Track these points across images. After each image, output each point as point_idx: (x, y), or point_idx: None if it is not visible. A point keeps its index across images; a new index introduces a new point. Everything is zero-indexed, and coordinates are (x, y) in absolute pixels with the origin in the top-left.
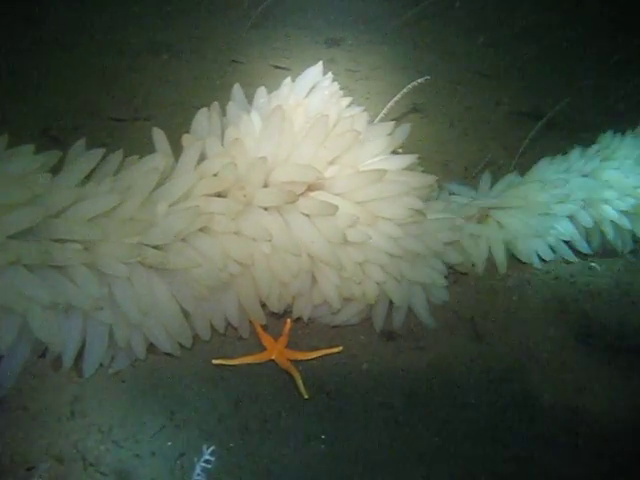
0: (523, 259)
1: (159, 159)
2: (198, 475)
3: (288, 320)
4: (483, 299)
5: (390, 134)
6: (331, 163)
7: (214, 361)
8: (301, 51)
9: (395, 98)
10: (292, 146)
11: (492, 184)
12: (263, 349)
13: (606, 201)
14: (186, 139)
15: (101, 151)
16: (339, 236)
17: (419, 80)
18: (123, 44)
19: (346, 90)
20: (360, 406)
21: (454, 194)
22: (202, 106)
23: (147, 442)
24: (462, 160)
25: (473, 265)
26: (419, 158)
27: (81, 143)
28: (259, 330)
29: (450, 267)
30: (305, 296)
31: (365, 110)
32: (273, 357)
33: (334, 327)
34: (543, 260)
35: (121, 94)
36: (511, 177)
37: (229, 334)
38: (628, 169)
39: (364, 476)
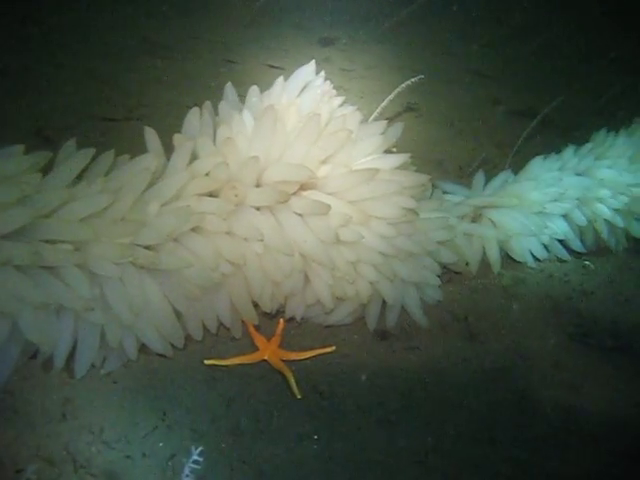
0: (517, 258)
1: (151, 159)
2: (187, 476)
3: (281, 320)
4: (477, 298)
5: (383, 133)
6: (323, 162)
7: (206, 361)
8: (296, 50)
9: (389, 97)
10: (284, 145)
11: (486, 183)
12: (256, 349)
13: (600, 199)
14: (177, 139)
15: (92, 151)
16: (332, 235)
17: (413, 79)
18: (117, 44)
19: (341, 89)
20: (353, 406)
21: (448, 193)
22: (196, 106)
23: (138, 443)
24: (456, 159)
25: (467, 264)
26: (413, 157)
27: (72, 143)
28: (252, 330)
29: (444, 266)
30: (298, 296)
31: (359, 109)
32: (266, 357)
33: (327, 327)
34: (537, 259)
35: (115, 94)
36: (505, 175)
37: (221, 334)
38: (621, 167)
39: (357, 476)
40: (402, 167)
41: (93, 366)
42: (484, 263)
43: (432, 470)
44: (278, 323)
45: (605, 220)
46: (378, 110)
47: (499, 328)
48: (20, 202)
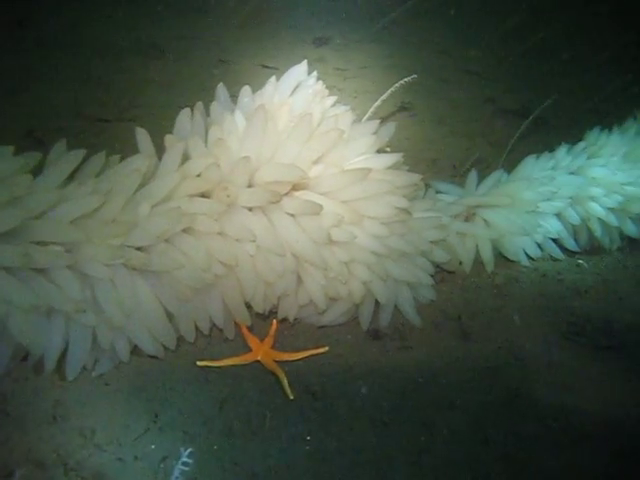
0: (510, 257)
1: (142, 160)
2: (176, 478)
3: (274, 321)
4: (470, 297)
5: (375, 133)
6: (315, 162)
7: (199, 363)
8: (290, 50)
9: (383, 97)
10: (276, 145)
11: (479, 182)
12: (249, 350)
13: (593, 198)
14: (169, 139)
15: (82, 152)
16: (324, 236)
17: (407, 78)
18: (110, 45)
19: (335, 89)
20: (346, 407)
21: (441, 192)
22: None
23: (130, 445)
24: (450, 158)
25: (460, 263)
26: (407, 156)
27: (62, 144)
28: (244, 331)
29: (437, 266)
30: (291, 296)
31: (353, 109)
32: (259, 358)
33: (320, 327)
34: (530, 258)
35: (108, 95)
36: (498, 175)
37: (214, 335)
38: (615, 166)
39: (350, 477)
40: (394, 167)
41: (85, 368)
42: (477, 262)
43: (425, 470)
44: (271, 324)
45: (599, 219)
46: (371, 109)
47: (492, 327)
48: (10, 203)
